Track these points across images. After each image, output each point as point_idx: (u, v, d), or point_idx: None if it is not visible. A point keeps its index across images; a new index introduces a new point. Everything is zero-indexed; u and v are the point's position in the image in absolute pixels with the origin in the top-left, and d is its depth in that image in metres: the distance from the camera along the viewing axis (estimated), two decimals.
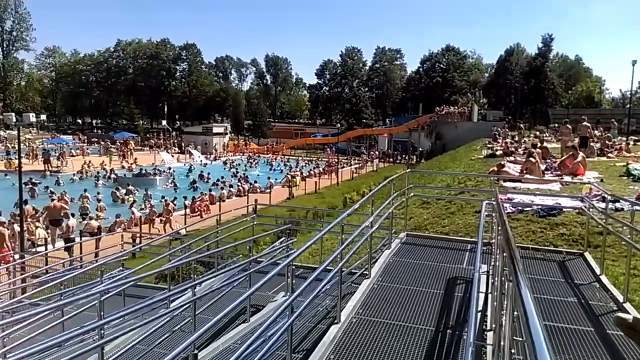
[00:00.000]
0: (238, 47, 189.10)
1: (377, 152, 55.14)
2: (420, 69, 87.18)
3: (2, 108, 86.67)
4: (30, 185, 27.32)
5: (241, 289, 7.68)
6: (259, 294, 7.04)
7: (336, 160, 42.29)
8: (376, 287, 6.27)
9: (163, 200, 24.24)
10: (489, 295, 5.17)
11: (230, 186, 30.94)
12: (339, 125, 66.90)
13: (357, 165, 46.22)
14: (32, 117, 75.62)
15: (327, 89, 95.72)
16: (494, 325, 4.10)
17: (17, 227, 15.89)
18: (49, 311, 6.90)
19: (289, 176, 33.78)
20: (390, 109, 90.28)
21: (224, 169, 42.39)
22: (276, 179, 35.29)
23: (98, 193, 27.52)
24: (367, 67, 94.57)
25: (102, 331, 4.56)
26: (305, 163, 48.92)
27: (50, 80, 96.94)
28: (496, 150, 21.73)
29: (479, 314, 4.58)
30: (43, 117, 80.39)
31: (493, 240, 6.58)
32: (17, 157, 22.01)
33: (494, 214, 7.16)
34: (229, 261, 10.85)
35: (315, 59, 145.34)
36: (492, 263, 5.72)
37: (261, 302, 7.50)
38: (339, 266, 5.09)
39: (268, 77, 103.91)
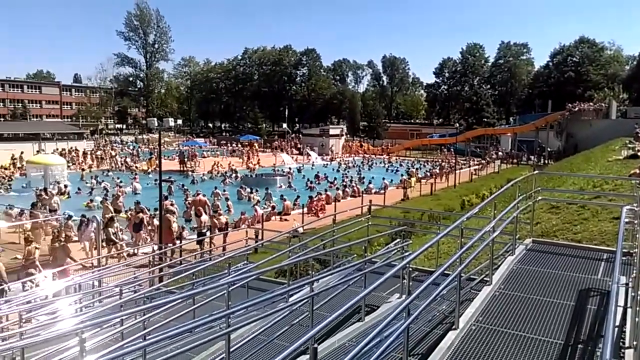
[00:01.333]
0: (355, 50, 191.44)
1: (499, 153, 52.30)
2: (550, 64, 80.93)
3: (145, 114, 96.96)
4: (168, 184, 30.17)
5: (356, 288, 7.77)
6: (373, 294, 7.05)
7: (454, 161, 40.90)
8: (498, 295, 5.96)
9: (285, 199, 25.43)
10: (629, 310, 4.66)
11: (345, 187, 31.39)
12: (457, 125, 64.59)
13: (477, 167, 44.25)
14: (171, 122, 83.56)
15: (445, 87, 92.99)
16: (634, 343, 3.69)
17: (156, 222, 17.67)
18: (182, 299, 7.58)
19: (405, 177, 33.39)
20: (514, 107, 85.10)
21: (339, 170, 43.13)
22: (391, 180, 35.09)
23: (224, 191, 29.65)
24: (490, 64, 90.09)
25: (229, 320, 4.90)
26: (421, 164, 48.00)
27: (186, 87, 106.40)
28: (638, 150, 19.47)
29: (616, 330, 4.15)
30: (179, 121, 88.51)
31: (635, 250, 5.92)
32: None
33: (636, 221, 6.44)
34: (344, 260, 11.03)
35: (434, 58, 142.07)
36: (634, 275, 5.15)
37: (375, 302, 7.51)
38: (457, 271, 4.93)
39: (384, 78, 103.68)
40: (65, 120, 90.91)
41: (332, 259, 10.60)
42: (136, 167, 41.61)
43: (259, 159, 47.49)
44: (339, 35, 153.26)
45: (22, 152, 39.01)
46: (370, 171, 42.77)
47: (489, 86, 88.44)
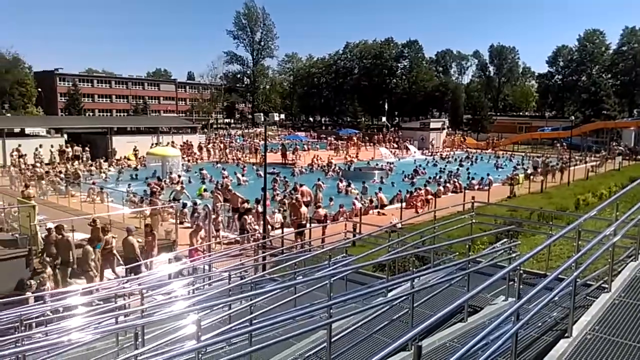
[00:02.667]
0: (459, 40, 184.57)
1: (620, 148, 47.65)
2: None
3: (251, 109, 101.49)
4: (273, 176, 31.37)
5: (458, 288, 7.54)
6: (477, 295, 6.81)
7: (567, 156, 37.94)
8: (617, 303, 5.46)
9: (379, 193, 25.37)
10: None
11: (446, 182, 30.46)
12: (572, 117, 59.76)
13: (594, 163, 40.67)
14: (276, 117, 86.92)
15: (559, 77, 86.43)
16: None
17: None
18: (284, 287, 7.87)
19: (512, 173, 31.66)
20: (639, 98, 76.91)
21: (437, 164, 41.95)
22: (498, 176, 33.44)
23: (323, 183, 30.21)
24: (611, 51, 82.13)
25: (331, 310, 5.00)
26: (530, 160, 45.21)
27: (289, 83, 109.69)
28: None
29: None
30: (282, 116, 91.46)
31: None
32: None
33: None
34: (445, 258, 10.73)
35: (547, 46, 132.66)
36: None
37: (478, 303, 7.23)
38: (573, 276, 4.59)
39: (491, 68, 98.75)
40: (180, 115, 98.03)
41: (432, 256, 10.36)
42: (243, 159, 43.72)
43: (357, 153, 47.69)
44: (442, 25, 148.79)
45: (135, 146, 42.64)
46: (473, 166, 41.10)
47: (609, 76, 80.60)
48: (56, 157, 37.63)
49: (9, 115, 74.88)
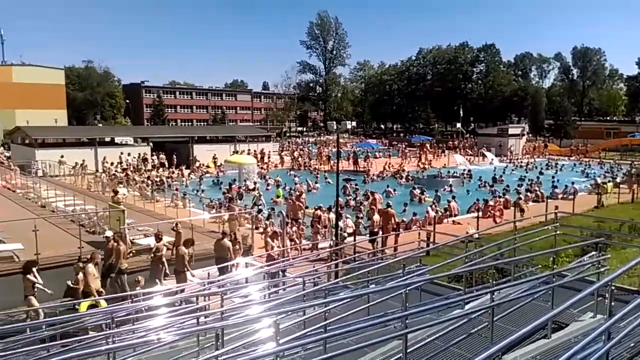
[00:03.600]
0: (539, 43, 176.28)
1: None
2: None
3: (323, 117, 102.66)
4: (344, 183, 31.49)
5: (541, 302, 7.17)
6: (561, 310, 6.43)
7: None
8: None
9: (451, 201, 24.70)
10: None
11: (528, 191, 29.05)
12: None
13: None
14: (348, 124, 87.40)
15: None
16: None
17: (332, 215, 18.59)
18: (358, 295, 7.86)
19: (597, 181, 29.64)
20: None
21: (514, 171, 40.13)
22: (583, 185, 31.48)
23: (394, 190, 29.96)
24: None
25: (407, 320, 4.94)
26: (619, 167, 42.15)
27: (360, 90, 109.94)
28: None
29: None
30: (354, 123, 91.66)
31: None
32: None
33: None
34: (526, 271, 10.25)
35: (637, 47, 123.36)
36: None
37: (563, 319, 6.83)
38: None
39: (574, 71, 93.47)
40: (256, 124, 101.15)
41: (512, 268, 9.94)
42: (315, 166, 44.30)
43: (430, 160, 46.76)
44: (521, 28, 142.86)
45: (214, 154, 44.42)
46: (557, 174, 38.94)
47: None
48: (142, 165, 40.06)
49: (100, 125, 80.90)
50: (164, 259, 12.53)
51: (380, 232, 17.91)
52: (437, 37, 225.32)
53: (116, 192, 17.29)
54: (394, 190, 30.83)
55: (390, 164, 42.72)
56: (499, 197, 26.28)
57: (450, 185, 32.92)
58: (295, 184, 32.88)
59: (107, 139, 46.24)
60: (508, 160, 49.47)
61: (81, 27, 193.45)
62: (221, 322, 6.33)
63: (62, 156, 35.92)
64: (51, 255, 13.27)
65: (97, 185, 29.81)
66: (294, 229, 18.45)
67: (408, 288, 5.51)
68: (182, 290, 11.16)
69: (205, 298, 10.10)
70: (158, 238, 12.86)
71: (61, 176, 32.60)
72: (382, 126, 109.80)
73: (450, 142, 61.32)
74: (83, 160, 35.18)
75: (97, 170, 35.79)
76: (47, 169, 34.65)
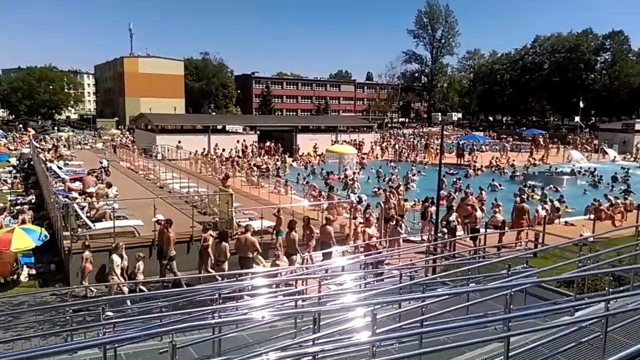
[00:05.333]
0: None
1: None
2: None
3: (427, 108, 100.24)
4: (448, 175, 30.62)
5: None
6: None
7: None
8: None
9: (560, 200, 22.96)
10: None
11: None
12: None
13: None
14: (454, 116, 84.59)
15: None
16: None
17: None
18: (457, 293, 7.64)
19: None
20: None
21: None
22: None
23: (500, 186, 28.51)
24: None
25: (510, 323, 4.71)
26: None
27: (469, 81, 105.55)
28: None
29: None
30: (459, 115, 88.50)
31: None
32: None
33: None
34: None
35: None
36: None
37: None
38: None
39: None
40: (357, 114, 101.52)
41: (632, 277, 9.04)
42: (415, 159, 43.51)
43: (543, 155, 43.74)
44: None
45: (315, 144, 45.25)
46: None
47: None
48: (250, 152, 42.08)
49: (213, 114, 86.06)
50: (209, 250, 12.80)
51: (461, 230, 17.20)
52: (557, 23, 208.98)
53: (227, 177, 18.36)
54: (500, 185, 29.37)
55: (497, 158, 40.68)
56: (621, 198, 23.90)
57: (563, 184, 30.62)
58: (392, 174, 32.65)
59: (219, 127, 49.06)
60: (633, 159, 44.82)
61: (199, 19, 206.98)
62: (318, 307, 6.51)
63: (179, 141, 38.86)
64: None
65: (209, 169, 31.79)
66: (393, 223, 18.31)
67: (513, 290, 5.24)
68: (280, 274, 11.60)
69: (304, 282, 10.42)
70: (205, 230, 13.23)
71: (177, 160, 35.26)
72: (491, 118, 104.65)
73: (567, 137, 56.83)
74: (204, 149, 38.11)
75: (205, 155, 38.20)
76: (166, 153, 37.65)
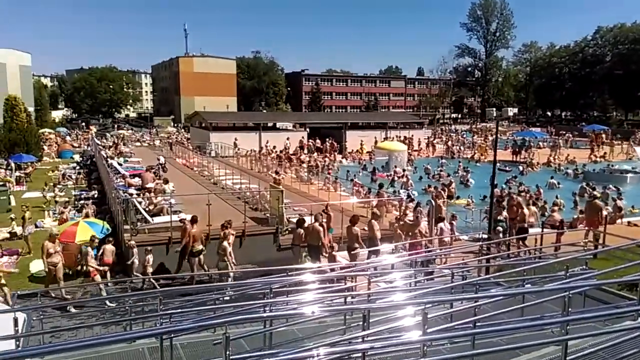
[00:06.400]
0: None
1: None
2: None
3: (481, 103, 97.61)
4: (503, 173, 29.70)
5: None
6: None
7: None
8: None
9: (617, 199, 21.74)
10: None
11: None
12: None
13: None
14: (510, 111, 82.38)
15: None
16: None
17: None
18: (512, 294, 7.43)
19: None
20: None
21: None
22: None
23: (558, 184, 27.43)
24: None
25: (568, 326, 4.54)
26: None
27: (525, 74, 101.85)
28: None
29: None
30: (515, 110, 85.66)
31: None
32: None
33: None
34: None
35: None
36: None
37: None
38: None
39: None
40: (408, 110, 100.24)
41: None
42: (468, 155, 42.50)
43: (605, 152, 41.62)
44: None
45: (361, 140, 45.04)
46: None
47: None
48: (299, 149, 42.46)
49: (264, 111, 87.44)
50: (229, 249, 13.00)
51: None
52: (620, 14, 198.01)
53: (278, 174, 18.63)
54: (558, 183, 28.24)
55: (556, 155, 39.10)
56: None
57: (626, 182, 29.04)
58: (441, 171, 32.07)
59: (270, 124, 49.79)
60: None
61: (251, 19, 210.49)
62: (368, 304, 6.50)
63: (236, 139, 39.68)
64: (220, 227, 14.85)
65: (260, 166, 32.33)
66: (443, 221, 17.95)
67: (571, 292, 5.05)
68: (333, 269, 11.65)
69: (353, 279, 10.42)
70: (224, 227, 13.28)
71: (229, 157, 36.09)
72: (549, 113, 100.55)
73: (635, 133, 53.71)
74: (262, 147, 39.12)
75: (259, 152, 38.89)
76: (219, 150, 38.62)
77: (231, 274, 12.57)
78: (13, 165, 32.73)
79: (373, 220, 13.90)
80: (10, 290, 10.87)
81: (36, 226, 18.80)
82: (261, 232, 15.20)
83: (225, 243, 12.71)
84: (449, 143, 49.35)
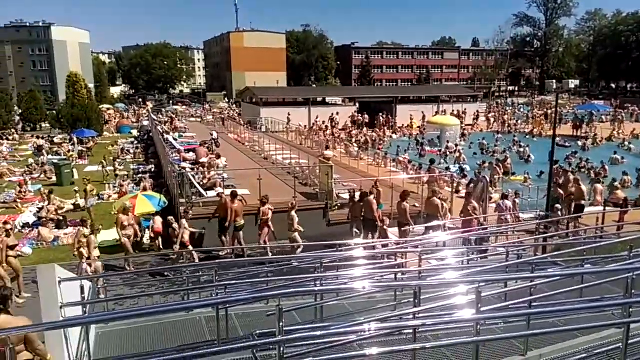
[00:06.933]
0: None
1: None
2: None
3: (540, 75, 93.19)
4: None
5: None
6: None
7: None
8: None
9: None
10: None
11: None
12: None
13: None
14: (571, 83, 78.16)
15: None
16: None
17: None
18: (570, 275, 7.18)
19: None
20: None
21: None
22: None
23: (622, 158, 26.04)
24: None
25: (630, 309, 4.35)
26: None
27: (588, 44, 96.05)
28: None
29: None
30: (577, 82, 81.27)
31: None
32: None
33: None
34: None
35: None
36: None
37: None
38: None
39: None
40: (462, 83, 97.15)
41: None
42: (526, 130, 40.93)
43: None
44: None
45: (410, 115, 44.06)
46: None
47: None
48: (349, 124, 42.22)
49: (314, 86, 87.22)
50: (270, 223, 13.21)
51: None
52: None
53: (327, 148, 18.65)
54: (622, 158, 26.82)
55: (619, 129, 37.00)
56: None
57: None
58: (495, 146, 31.08)
59: (319, 99, 49.65)
60: None
61: None
62: (419, 281, 6.46)
63: (289, 114, 39.84)
64: (272, 202, 15.08)
65: (313, 141, 32.45)
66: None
67: (635, 273, 4.81)
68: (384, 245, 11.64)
69: (404, 255, 10.36)
70: (262, 203, 13.36)
71: (280, 132, 36.40)
72: (613, 85, 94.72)
73: None
74: (314, 122, 39.00)
75: (310, 128, 38.97)
76: (269, 125, 39.01)
77: (301, 246, 12.90)
78: (75, 139, 34.43)
79: (433, 198, 13.62)
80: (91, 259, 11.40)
81: (99, 198, 19.81)
82: (311, 207, 15.32)
83: (293, 212, 13.07)
84: (505, 117, 47.64)
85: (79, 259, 11.34)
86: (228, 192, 14.71)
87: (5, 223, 13.43)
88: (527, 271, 7.38)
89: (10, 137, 40.51)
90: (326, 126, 39.54)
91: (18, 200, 19.65)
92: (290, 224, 13.03)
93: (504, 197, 14.95)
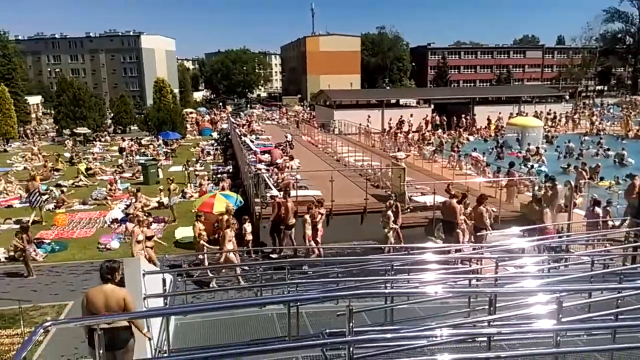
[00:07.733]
0: None
1: None
2: None
3: (632, 73, 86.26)
4: None
5: None
6: None
7: None
8: None
9: None
10: None
11: None
12: None
13: None
14: None
15: None
16: None
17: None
18: None
19: None
20: None
21: None
22: None
23: None
24: None
25: None
26: None
27: None
28: None
29: None
30: None
31: None
32: None
33: None
34: None
35: None
36: None
37: None
38: None
39: None
40: (546, 83, 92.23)
41: None
42: (618, 132, 38.12)
43: None
44: None
45: (488, 116, 42.21)
46: None
47: None
48: (423, 126, 41.41)
49: (388, 88, 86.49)
50: (319, 226, 13.15)
51: None
52: None
53: (399, 150, 18.45)
54: None
55: None
56: None
57: None
58: (580, 150, 29.16)
59: (393, 101, 49.14)
60: None
61: None
62: (494, 288, 6.24)
63: (369, 116, 39.74)
64: (343, 203, 15.19)
65: (387, 143, 32.20)
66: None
67: None
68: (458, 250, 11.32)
69: (479, 261, 10.02)
70: (317, 206, 13.30)
71: (352, 134, 36.43)
72: None
73: None
74: (389, 125, 38.87)
75: (383, 130, 38.68)
76: (343, 128, 39.16)
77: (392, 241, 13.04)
78: (161, 141, 36.54)
79: (480, 207, 12.89)
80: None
81: (183, 196, 20.89)
82: (382, 209, 15.21)
83: (389, 212, 13.27)
84: (593, 118, 44.63)
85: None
86: (302, 192, 14.99)
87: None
88: (614, 281, 6.89)
89: (103, 139, 43.70)
90: (398, 128, 39.01)
91: (108, 198, 21.16)
92: (385, 222, 13.29)
93: (596, 203, 14.03)
